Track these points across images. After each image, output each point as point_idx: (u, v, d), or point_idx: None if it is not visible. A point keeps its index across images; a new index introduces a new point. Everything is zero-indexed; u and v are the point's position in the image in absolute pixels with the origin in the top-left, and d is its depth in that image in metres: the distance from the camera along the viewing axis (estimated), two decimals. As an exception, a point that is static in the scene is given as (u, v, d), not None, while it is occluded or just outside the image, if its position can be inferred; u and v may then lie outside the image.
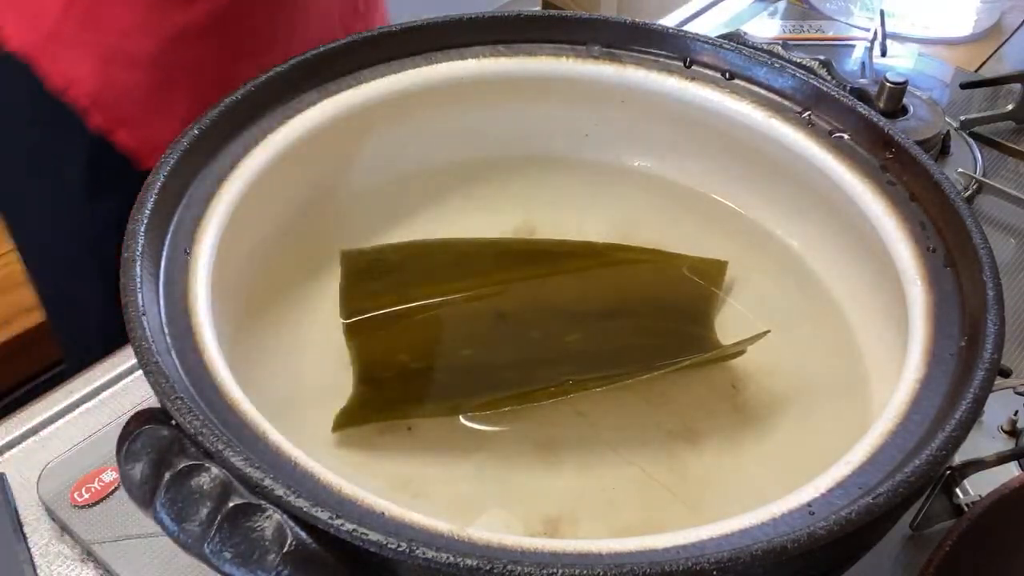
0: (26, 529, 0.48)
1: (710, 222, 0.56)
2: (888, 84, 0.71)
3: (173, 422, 0.35)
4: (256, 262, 0.50)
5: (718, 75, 0.53)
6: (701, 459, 0.47)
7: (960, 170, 0.71)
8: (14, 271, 1.44)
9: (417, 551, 0.31)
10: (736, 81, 0.53)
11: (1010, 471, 0.50)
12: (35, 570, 0.47)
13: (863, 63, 0.84)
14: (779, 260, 0.54)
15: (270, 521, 0.32)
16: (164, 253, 0.42)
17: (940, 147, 0.72)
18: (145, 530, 0.47)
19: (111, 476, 0.49)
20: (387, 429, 0.47)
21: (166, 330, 0.39)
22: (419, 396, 0.49)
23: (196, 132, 0.45)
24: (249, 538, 0.32)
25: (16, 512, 0.49)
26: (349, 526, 0.32)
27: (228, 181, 0.46)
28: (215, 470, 0.33)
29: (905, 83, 0.71)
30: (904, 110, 0.72)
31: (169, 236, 0.42)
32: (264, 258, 0.50)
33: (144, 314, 0.38)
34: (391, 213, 0.56)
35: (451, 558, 0.31)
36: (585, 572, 0.31)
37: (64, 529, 0.48)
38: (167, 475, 0.33)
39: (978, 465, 0.49)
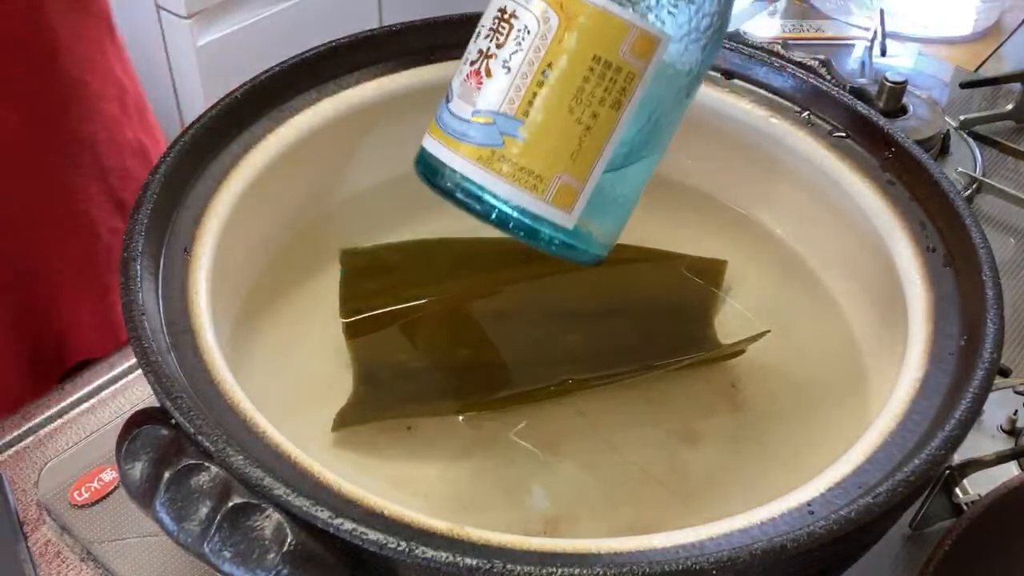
0: (26, 529, 0.48)
1: (710, 222, 0.56)
2: (888, 83, 0.71)
3: (173, 422, 0.35)
4: (256, 261, 0.50)
5: (718, 74, 0.53)
6: (701, 459, 0.47)
7: (960, 170, 0.71)
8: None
9: (416, 550, 0.31)
10: (736, 80, 0.53)
11: (1010, 470, 0.50)
12: (35, 570, 0.47)
13: (863, 62, 0.84)
14: (779, 260, 0.54)
15: (270, 520, 0.32)
16: (164, 253, 0.42)
17: (940, 147, 0.72)
18: (145, 530, 0.47)
19: (110, 475, 0.49)
20: (387, 429, 0.47)
21: (166, 330, 0.39)
22: (419, 396, 0.49)
23: (196, 132, 0.45)
24: (249, 537, 0.32)
25: (16, 512, 0.49)
26: (349, 526, 0.32)
27: (228, 181, 0.46)
28: (215, 469, 0.33)
29: (905, 82, 0.71)
30: (904, 109, 0.72)
31: (169, 236, 0.42)
32: (264, 257, 0.50)
33: (144, 314, 0.38)
34: (391, 213, 0.55)
35: (450, 557, 0.31)
36: (585, 572, 0.31)
37: (64, 529, 0.48)
38: (167, 474, 0.34)
39: (977, 464, 0.49)
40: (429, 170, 0.38)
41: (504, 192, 0.36)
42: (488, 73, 0.36)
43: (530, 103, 0.36)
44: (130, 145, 0.66)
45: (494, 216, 0.37)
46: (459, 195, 0.37)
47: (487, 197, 0.36)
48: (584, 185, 0.36)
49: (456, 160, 0.37)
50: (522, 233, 0.37)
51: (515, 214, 0.36)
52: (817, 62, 0.54)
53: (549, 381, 0.48)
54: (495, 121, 0.36)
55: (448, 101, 0.38)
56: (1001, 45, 0.89)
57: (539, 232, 0.37)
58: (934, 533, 0.49)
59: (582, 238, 0.38)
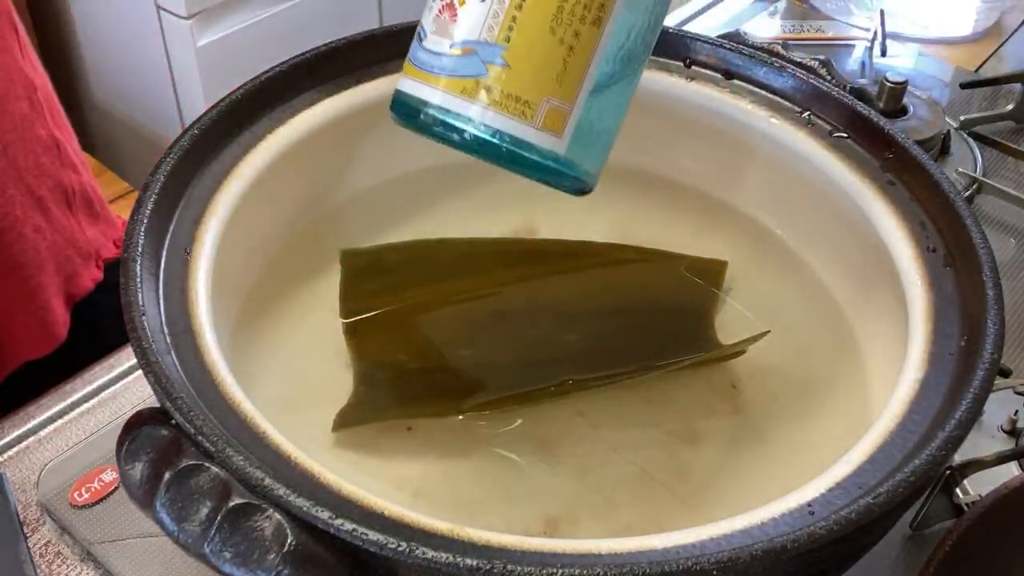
0: (26, 529, 0.48)
1: (710, 222, 0.56)
2: (888, 84, 0.71)
3: (173, 422, 0.35)
4: (256, 262, 0.50)
5: (718, 75, 0.53)
6: (701, 459, 0.47)
7: (960, 170, 0.71)
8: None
9: (417, 551, 0.31)
10: (736, 81, 0.53)
11: (1010, 471, 0.50)
12: (35, 570, 0.47)
13: (863, 63, 0.84)
14: (779, 260, 0.54)
15: (270, 521, 0.32)
16: (164, 253, 0.42)
17: (940, 147, 0.72)
18: (145, 530, 0.47)
19: (111, 476, 0.49)
20: (387, 429, 0.47)
21: (166, 330, 0.39)
22: (419, 396, 0.49)
23: (196, 132, 0.45)
24: (249, 538, 0.32)
25: (16, 512, 0.49)
26: (349, 526, 0.32)
27: (228, 181, 0.46)
28: (215, 470, 0.33)
29: (905, 83, 0.71)
30: (904, 110, 0.72)
31: (169, 236, 0.42)
32: (264, 258, 0.50)
33: (144, 314, 0.38)
34: (391, 213, 0.56)
35: (450, 558, 0.31)
36: (585, 572, 0.31)
37: (64, 529, 0.48)
38: (167, 475, 0.34)
39: (978, 465, 0.49)
40: (410, 111, 0.37)
41: (492, 121, 0.35)
42: (462, 3, 0.35)
43: (510, 28, 0.35)
44: (42, 141, 0.64)
45: (482, 147, 0.35)
46: (443, 130, 0.36)
47: (472, 129, 0.35)
48: (572, 107, 0.36)
49: (437, 95, 0.36)
50: (511, 162, 0.36)
51: (504, 143, 0.35)
52: (817, 62, 0.53)
53: (549, 381, 0.48)
54: (476, 50, 0.35)
55: (421, 40, 0.37)
56: (1001, 45, 0.89)
57: (528, 159, 0.36)
58: (934, 533, 0.49)
59: (571, 164, 0.37)
